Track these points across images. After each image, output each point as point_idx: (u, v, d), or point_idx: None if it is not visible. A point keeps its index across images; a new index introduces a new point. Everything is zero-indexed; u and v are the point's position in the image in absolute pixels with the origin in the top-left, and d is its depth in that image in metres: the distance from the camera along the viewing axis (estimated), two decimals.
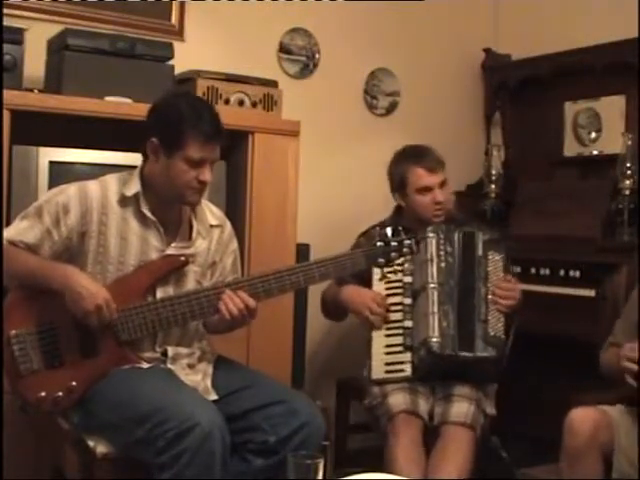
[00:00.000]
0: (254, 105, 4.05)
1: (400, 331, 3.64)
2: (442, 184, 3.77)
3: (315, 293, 4.04)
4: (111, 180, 3.12)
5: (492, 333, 3.57)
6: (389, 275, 3.60)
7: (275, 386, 3.12)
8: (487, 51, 5.38)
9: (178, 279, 3.13)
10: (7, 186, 3.43)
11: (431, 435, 3.51)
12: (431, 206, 3.74)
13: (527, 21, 5.24)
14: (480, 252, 3.65)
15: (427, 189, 3.74)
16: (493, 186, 4.98)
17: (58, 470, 3.29)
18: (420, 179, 3.75)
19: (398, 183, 3.84)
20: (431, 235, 3.64)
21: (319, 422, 2.99)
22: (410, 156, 3.82)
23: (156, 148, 3.01)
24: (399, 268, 3.59)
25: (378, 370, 3.64)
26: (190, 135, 2.96)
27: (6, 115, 3.40)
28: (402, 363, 3.62)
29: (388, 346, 3.64)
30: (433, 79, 5.27)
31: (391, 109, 5.17)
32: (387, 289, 3.68)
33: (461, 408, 3.49)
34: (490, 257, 3.65)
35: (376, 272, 3.63)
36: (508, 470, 3.85)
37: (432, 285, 3.60)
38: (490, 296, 3.60)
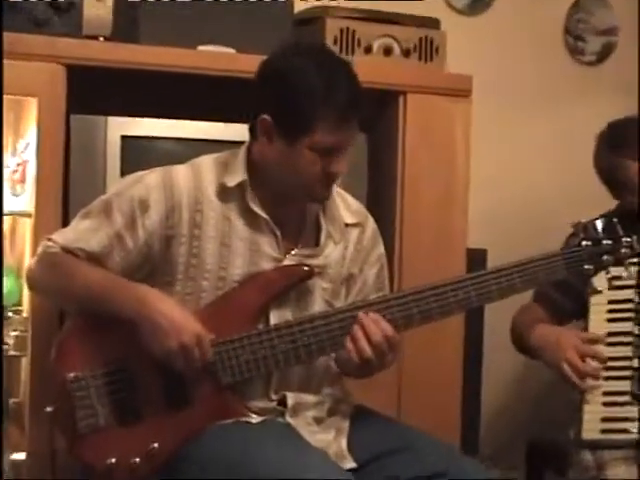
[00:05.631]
0: (407, 54, 4.06)
1: (627, 373, 3.55)
2: None
3: (494, 314, 3.98)
4: (206, 164, 3.12)
5: None
6: (613, 291, 3.48)
7: (438, 450, 3.07)
8: None
9: (300, 299, 3.12)
10: (64, 171, 3.48)
11: None
12: None
13: None
14: None
15: None
16: None
17: None
18: (635, 175, 3.68)
19: (607, 179, 3.81)
20: None
21: None
22: (614, 143, 3.77)
23: (269, 129, 2.96)
24: (629, 282, 3.48)
25: (591, 427, 3.54)
26: (320, 114, 2.90)
27: (61, 71, 3.45)
28: (627, 420, 3.52)
29: (607, 394, 3.55)
30: None
31: (605, 54, 5.12)
32: (608, 311, 3.59)
33: None
34: None
35: (596, 284, 3.52)
36: None
37: None
38: None
